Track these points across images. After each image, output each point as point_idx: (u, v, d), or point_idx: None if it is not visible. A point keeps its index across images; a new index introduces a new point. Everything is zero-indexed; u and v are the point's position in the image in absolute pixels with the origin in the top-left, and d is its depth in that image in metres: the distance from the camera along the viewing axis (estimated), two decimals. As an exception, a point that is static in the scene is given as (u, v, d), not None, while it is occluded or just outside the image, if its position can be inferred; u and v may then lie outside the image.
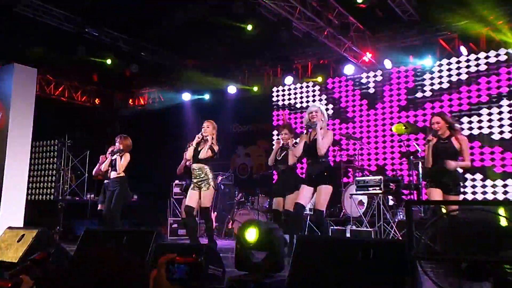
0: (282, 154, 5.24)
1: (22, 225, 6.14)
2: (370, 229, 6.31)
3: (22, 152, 6.42)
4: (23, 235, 4.05)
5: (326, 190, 4.43)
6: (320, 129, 4.49)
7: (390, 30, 8.14)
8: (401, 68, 8.23)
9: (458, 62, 7.65)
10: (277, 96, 9.69)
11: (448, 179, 4.42)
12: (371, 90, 8.56)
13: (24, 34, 8.40)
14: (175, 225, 8.05)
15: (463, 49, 7.48)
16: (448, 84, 7.71)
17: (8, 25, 7.00)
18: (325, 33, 7.42)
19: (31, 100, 6.63)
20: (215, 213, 8.27)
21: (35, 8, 7.30)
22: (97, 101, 11.71)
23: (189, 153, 5.35)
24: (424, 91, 7.94)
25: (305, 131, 4.69)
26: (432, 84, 7.88)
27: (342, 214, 7.22)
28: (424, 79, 7.95)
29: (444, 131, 4.53)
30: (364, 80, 8.64)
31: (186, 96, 10.53)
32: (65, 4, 7.66)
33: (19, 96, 6.46)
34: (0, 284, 1.18)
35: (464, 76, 7.58)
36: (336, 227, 6.87)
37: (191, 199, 5.14)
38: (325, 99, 9.04)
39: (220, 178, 8.37)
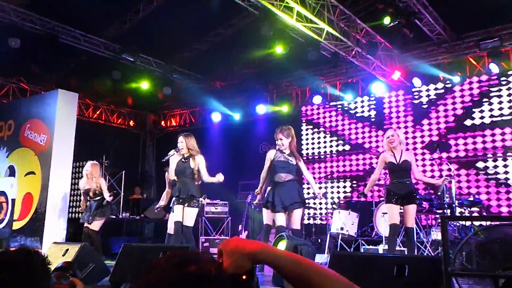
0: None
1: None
2: (403, 249, 6.22)
3: (65, 172, 6.75)
4: (67, 250, 4.28)
5: (414, 209, 4.83)
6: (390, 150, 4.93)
7: (418, 49, 8.16)
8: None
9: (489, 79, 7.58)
10: (306, 115, 9.78)
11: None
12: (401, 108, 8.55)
13: (67, 62, 8.95)
14: (207, 244, 8.17)
15: (493, 66, 7.40)
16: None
17: (53, 54, 7.48)
18: (353, 52, 7.53)
19: (73, 123, 6.98)
20: (246, 231, 8.35)
21: (77, 37, 7.80)
22: (131, 123, 12.18)
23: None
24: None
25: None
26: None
27: (374, 233, 7.15)
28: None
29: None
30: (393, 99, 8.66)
31: (216, 117, 10.77)
32: (104, 32, 8.16)
33: (62, 120, 6.83)
34: (60, 286, 1.35)
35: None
36: (368, 247, 6.80)
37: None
38: (355, 118, 9.08)
39: (250, 197, 8.47)
